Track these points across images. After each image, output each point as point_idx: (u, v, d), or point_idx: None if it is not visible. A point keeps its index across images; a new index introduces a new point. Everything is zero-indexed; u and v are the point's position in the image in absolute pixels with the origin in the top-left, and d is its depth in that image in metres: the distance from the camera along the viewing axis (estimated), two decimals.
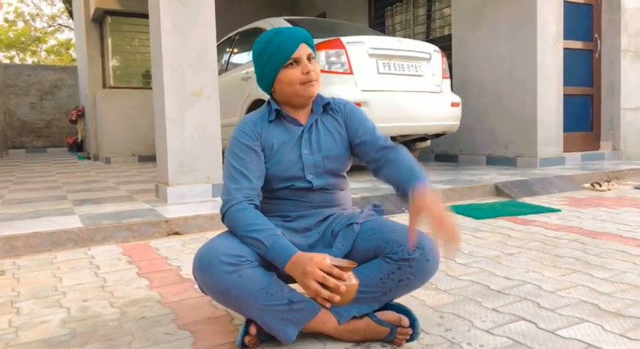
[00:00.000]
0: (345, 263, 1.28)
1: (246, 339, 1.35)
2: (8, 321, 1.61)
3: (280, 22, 4.96)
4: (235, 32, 5.86)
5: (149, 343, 1.42)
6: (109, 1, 8.17)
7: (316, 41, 4.29)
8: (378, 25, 7.93)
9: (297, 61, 1.43)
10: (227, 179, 1.43)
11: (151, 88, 4.51)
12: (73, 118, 11.44)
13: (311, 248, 1.45)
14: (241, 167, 1.42)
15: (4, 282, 2.06)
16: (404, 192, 1.39)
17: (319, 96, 1.53)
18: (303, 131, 1.50)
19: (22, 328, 1.55)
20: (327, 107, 1.54)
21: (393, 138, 4.53)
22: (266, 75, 1.46)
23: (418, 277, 1.35)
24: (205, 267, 1.28)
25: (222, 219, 1.41)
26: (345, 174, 1.59)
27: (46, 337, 1.48)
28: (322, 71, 3.98)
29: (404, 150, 1.51)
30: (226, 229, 1.43)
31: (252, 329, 1.35)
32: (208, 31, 3.58)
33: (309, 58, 1.45)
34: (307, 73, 1.43)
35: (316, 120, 1.52)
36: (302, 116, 1.52)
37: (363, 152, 1.53)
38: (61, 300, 1.81)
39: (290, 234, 1.45)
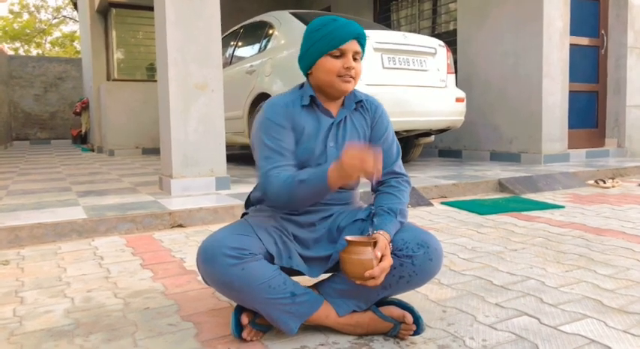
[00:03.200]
0: (364, 238, 1.29)
1: (244, 334, 1.35)
2: (12, 311, 1.62)
3: (285, 16, 4.95)
4: (240, 25, 5.85)
5: (152, 334, 1.42)
6: None
7: None
8: (384, 19, 7.90)
9: (342, 54, 1.40)
10: (262, 159, 1.40)
11: (155, 81, 4.52)
12: (77, 110, 11.46)
13: (316, 242, 1.46)
14: (276, 146, 1.40)
15: (8, 272, 2.07)
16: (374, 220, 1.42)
17: (353, 92, 1.52)
18: (332, 124, 1.48)
19: (26, 317, 1.56)
20: (358, 104, 1.53)
21: (397, 133, 4.55)
22: (308, 55, 1.43)
23: (420, 275, 1.36)
24: (209, 260, 1.28)
25: (265, 197, 1.38)
26: None
27: (49, 326, 1.48)
28: None
29: (405, 185, 1.52)
30: (229, 223, 1.43)
31: (244, 319, 1.35)
32: (213, 24, 3.57)
33: (355, 56, 1.42)
34: (347, 68, 1.40)
35: (346, 116, 1.51)
36: (333, 107, 1.50)
37: None
38: (65, 290, 1.81)
39: (295, 227, 1.45)
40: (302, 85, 1.51)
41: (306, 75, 1.50)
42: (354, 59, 1.42)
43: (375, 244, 1.27)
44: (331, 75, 1.41)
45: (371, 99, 1.57)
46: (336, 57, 1.40)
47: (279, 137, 1.41)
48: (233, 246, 1.27)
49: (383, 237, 1.30)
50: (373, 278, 1.25)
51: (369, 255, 1.24)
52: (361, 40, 1.43)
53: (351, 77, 1.42)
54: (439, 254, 1.37)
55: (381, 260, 1.26)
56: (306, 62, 1.45)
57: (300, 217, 1.47)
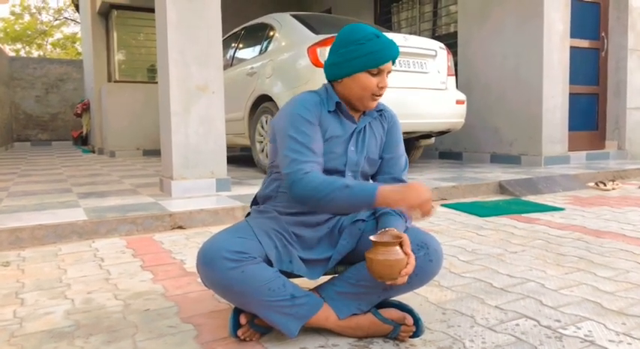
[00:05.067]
0: (390, 238, 1.28)
1: (240, 332, 1.36)
2: (13, 312, 1.63)
3: (286, 18, 4.96)
4: (241, 27, 5.86)
5: (152, 335, 1.42)
6: None
7: (322, 37, 4.28)
8: (384, 21, 7.91)
9: (380, 72, 1.42)
10: (290, 152, 1.37)
11: (156, 83, 4.52)
12: (78, 112, 11.47)
13: (319, 241, 1.47)
14: (306, 141, 1.38)
15: (9, 273, 2.07)
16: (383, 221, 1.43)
17: None
18: (354, 130, 1.50)
19: (27, 319, 1.56)
20: (379, 113, 1.57)
21: None
22: (346, 66, 1.43)
23: (420, 276, 1.36)
24: (208, 263, 1.28)
25: (290, 190, 1.34)
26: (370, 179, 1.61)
27: (50, 328, 1.49)
28: None
29: None
30: (230, 224, 1.43)
31: (242, 319, 1.36)
32: (214, 26, 3.57)
33: (387, 74, 1.45)
34: (382, 88, 1.43)
35: (367, 124, 1.53)
36: (356, 114, 1.53)
37: (379, 165, 1.57)
38: (65, 292, 1.82)
39: (299, 228, 1.45)
40: (326, 89, 1.51)
41: (331, 81, 1.49)
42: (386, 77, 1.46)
43: (401, 243, 1.27)
44: (366, 91, 1.43)
45: (388, 109, 1.61)
46: (374, 74, 1.42)
47: (309, 133, 1.40)
48: (233, 250, 1.28)
49: (406, 235, 1.31)
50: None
51: (401, 255, 1.24)
52: (394, 60, 1.46)
53: (380, 96, 1.45)
54: (439, 255, 1.38)
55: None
56: (343, 72, 1.44)
57: (307, 217, 1.47)
